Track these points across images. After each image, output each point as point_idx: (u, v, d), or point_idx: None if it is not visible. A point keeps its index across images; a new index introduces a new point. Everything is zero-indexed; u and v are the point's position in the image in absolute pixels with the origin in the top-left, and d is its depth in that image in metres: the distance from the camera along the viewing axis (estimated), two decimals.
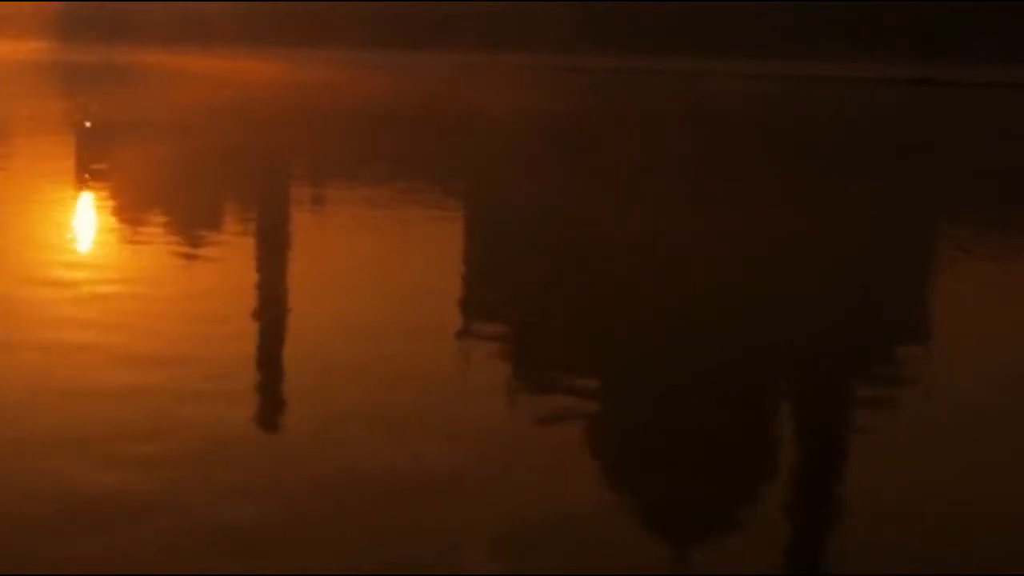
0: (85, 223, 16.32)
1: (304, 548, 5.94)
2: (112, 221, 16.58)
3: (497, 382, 8.99)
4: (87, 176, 21.87)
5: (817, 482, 7.08)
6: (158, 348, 9.70)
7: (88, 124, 35.36)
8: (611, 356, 9.86)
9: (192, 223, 16.61)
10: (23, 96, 52.97)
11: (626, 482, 6.96)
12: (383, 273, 13.21)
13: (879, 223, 18.36)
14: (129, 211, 17.60)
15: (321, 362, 9.41)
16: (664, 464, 7.30)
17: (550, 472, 7.08)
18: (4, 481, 6.72)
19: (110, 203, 18.39)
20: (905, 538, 6.27)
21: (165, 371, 9.02)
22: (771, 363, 9.77)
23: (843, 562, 5.95)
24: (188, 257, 13.94)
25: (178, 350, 9.65)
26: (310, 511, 6.40)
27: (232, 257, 14.08)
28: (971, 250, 15.92)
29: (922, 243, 16.59)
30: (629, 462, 7.31)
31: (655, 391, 8.85)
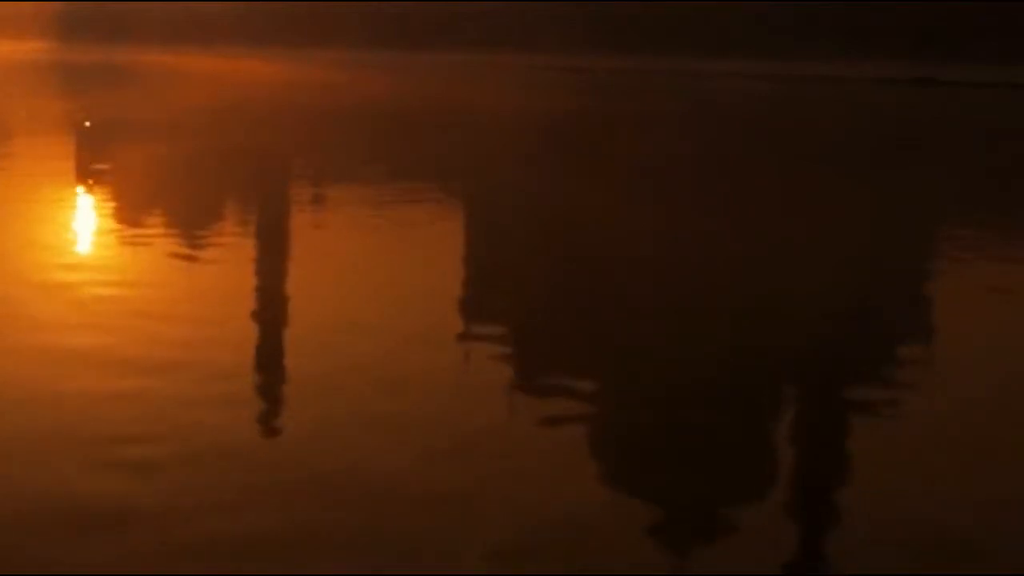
0: (85, 223, 16.33)
1: (304, 551, 5.94)
2: (112, 221, 16.58)
3: (497, 382, 8.99)
4: (87, 176, 21.87)
5: (817, 482, 7.08)
6: (158, 348, 9.70)
7: (88, 124, 35.35)
8: (611, 356, 9.87)
9: (192, 223, 16.61)
10: (23, 96, 52.97)
11: (626, 482, 6.96)
12: (383, 273, 13.22)
13: (879, 223, 18.37)
14: (129, 211, 17.61)
15: (321, 363, 9.41)
16: (664, 464, 7.30)
17: (550, 472, 7.08)
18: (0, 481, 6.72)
19: (110, 203, 18.39)
20: (906, 538, 6.27)
21: (165, 371, 9.02)
22: (771, 363, 9.77)
23: (843, 562, 5.95)
24: (188, 257, 13.94)
25: (178, 350, 9.65)
26: (310, 513, 6.40)
27: (232, 257, 14.08)
28: (970, 250, 15.92)
29: (922, 243, 16.59)
30: (629, 462, 7.31)
31: (655, 391, 8.85)
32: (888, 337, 10.85)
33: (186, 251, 14.34)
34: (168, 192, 20.02)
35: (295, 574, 5.65)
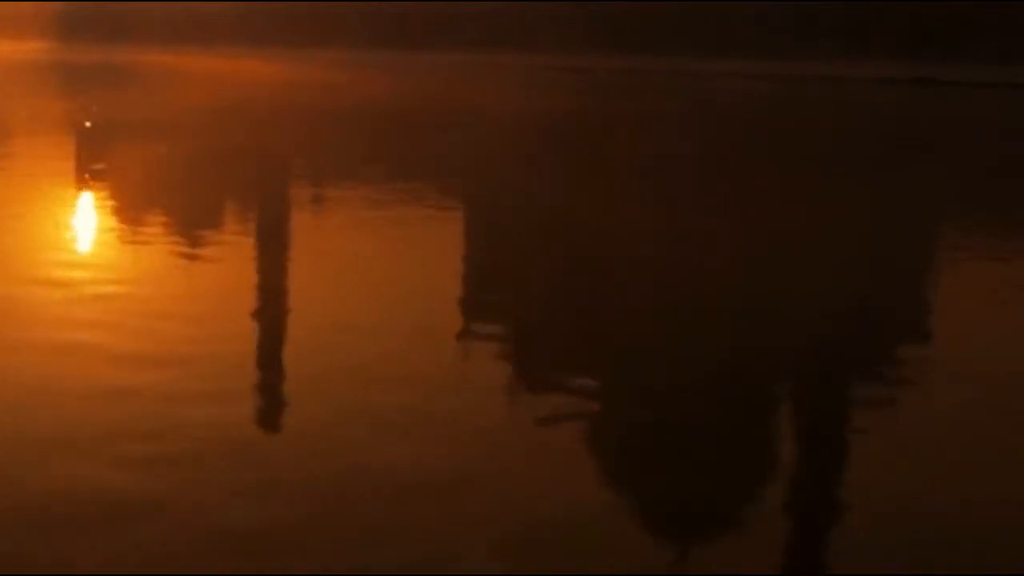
0: (85, 223, 16.33)
1: (304, 548, 5.94)
2: (112, 221, 16.58)
3: (497, 382, 8.99)
4: (87, 176, 21.88)
5: (817, 482, 7.08)
6: (158, 348, 9.70)
7: (88, 124, 35.36)
8: (611, 356, 9.87)
9: (192, 223, 16.61)
10: (23, 96, 52.97)
11: (626, 482, 6.96)
12: (383, 273, 13.22)
13: (879, 223, 18.37)
14: (129, 211, 17.61)
15: (321, 362, 9.41)
16: (664, 464, 7.30)
17: (550, 472, 7.08)
18: (3, 480, 6.72)
19: (110, 203, 18.39)
20: (905, 537, 6.27)
21: (165, 370, 9.02)
22: (771, 363, 9.77)
23: (843, 562, 5.95)
24: (188, 257, 13.94)
25: (178, 349, 9.65)
26: (310, 511, 6.40)
27: (232, 257, 14.09)
28: (970, 250, 15.93)
29: (922, 243, 16.60)
30: (629, 462, 7.31)
31: (655, 391, 8.85)
32: (888, 337, 10.85)
33: (186, 251, 14.34)
34: (168, 192, 20.02)
35: (296, 574, 5.65)
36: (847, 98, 71.33)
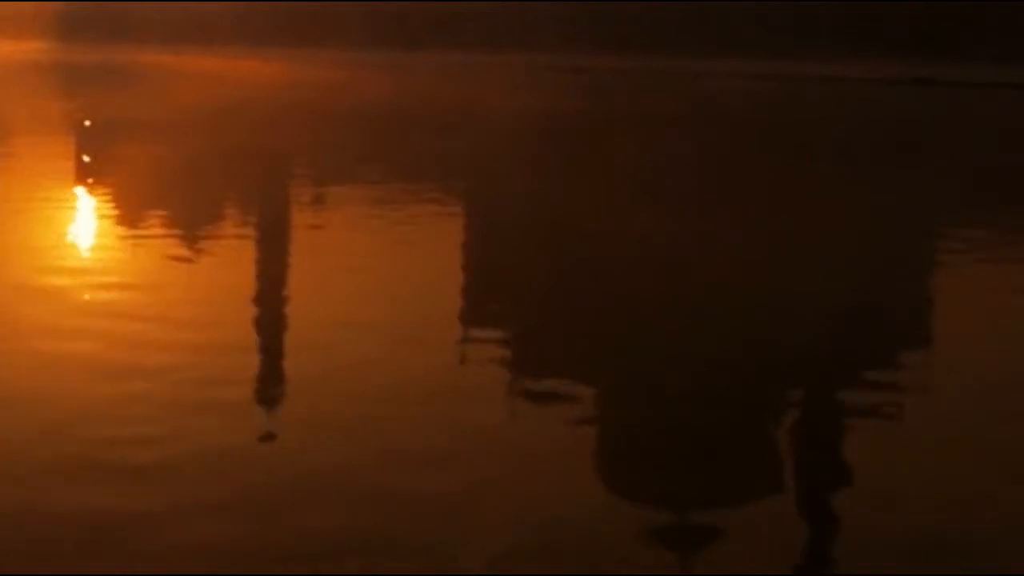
0: (85, 224, 16.33)
1: (302, 552, 5.94)
2: (112, 221, 16.58)
3: (497, 382, 8.99)
4: (87, 176, 21.88)
5: (817, 481, 7.09)
6: (157, 347, 9.70)
7: (88, 123, 35.36)
8: (611, 356, 9.87)
9: (192, 223, 16.61)
10: (23, 96, 52.97)
11: (626, 483, 6.97)
12: (383, 273, 13.22)
13: (879, 223, 18.37)
14: (129, 211, 17.61)
15: (320, 362, 9.41)
16: (664, 464, 7.31)
17: (549, 472, 7.09)
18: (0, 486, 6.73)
19: (110, 203, 18.39)
20: (905, 537, 6.27)
21: (164, 369, 9.03)
22: (770, 363, 9.77)
23: (843, 562, 5.96)
24: (188, 257, 13.94)
25: (177, 349, 9.65)
26: (308, 515, 6.41)
27: (232, 257, 14.09)
28: (969, 250, 15.93)
29: (921, 243, 16.60)
30: (628, 462, 7.31)
31: (655, 391, 8.86)
32: (887, 335, 10.86)
33: (186, 251, 14.34)
34: (168, 192, 20.03)
35: (293, 574, 5.66)
36: (847, 98, 71.38)
